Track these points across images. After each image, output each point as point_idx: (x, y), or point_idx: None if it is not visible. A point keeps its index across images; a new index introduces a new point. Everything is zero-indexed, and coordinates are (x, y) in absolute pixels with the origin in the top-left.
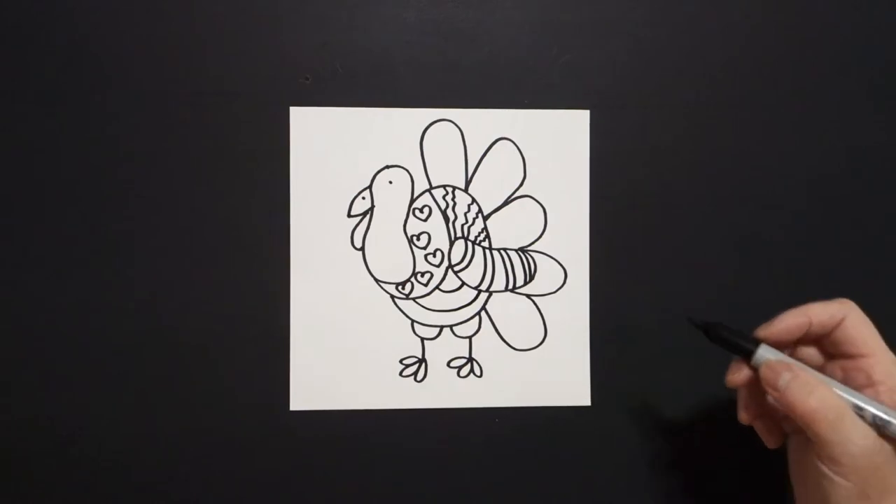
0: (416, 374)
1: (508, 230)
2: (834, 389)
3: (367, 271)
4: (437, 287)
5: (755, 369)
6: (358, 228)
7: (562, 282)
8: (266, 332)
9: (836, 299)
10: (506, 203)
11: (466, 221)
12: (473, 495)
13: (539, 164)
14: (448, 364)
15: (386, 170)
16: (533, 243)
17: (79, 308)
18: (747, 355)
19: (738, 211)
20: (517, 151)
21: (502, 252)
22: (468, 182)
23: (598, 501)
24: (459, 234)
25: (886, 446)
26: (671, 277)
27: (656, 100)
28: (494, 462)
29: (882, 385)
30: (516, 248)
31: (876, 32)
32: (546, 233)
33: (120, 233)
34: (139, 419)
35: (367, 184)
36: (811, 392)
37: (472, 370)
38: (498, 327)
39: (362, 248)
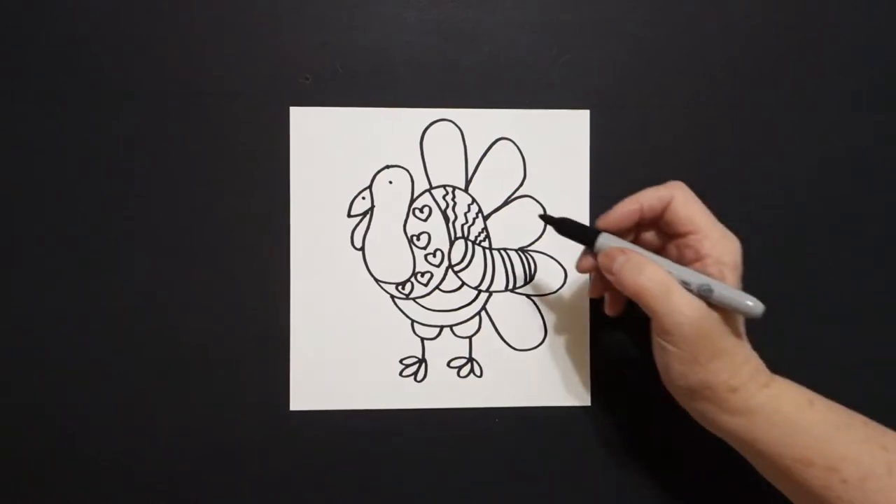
0: (416, 374)
1: (508, 230)
2: (662, 267)
3: (367, 271)
4: (437, 287)
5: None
6: (358, 228)
7: (562, 282)
8: (266, 332)
9: (667, 183)
10: (506, 203)
11: (466, 221)
12: (473, 495)
13: (539, 164)
14: (448, 364)
15: (386, 170)
16: (533, 243)
17: (79, 308)
18: (590, 244)
19: (738, 211)
20: (517, 151)
21: (502, 252)
22: (468, 182)
23: (598, 501)
24: (459, 234)
25: (713, 314)
26: None
27: (656, 100)
28: (494, 462)
29: (709, 258)
30: (516, 248)
31: (876, 32)
32: (546, 233)
33: (120, 232)
34: (139, 419)
35: (367, 184)
36: (640, 271)
37: (472, 370)
38: (498, 327)
39: (362, 248)
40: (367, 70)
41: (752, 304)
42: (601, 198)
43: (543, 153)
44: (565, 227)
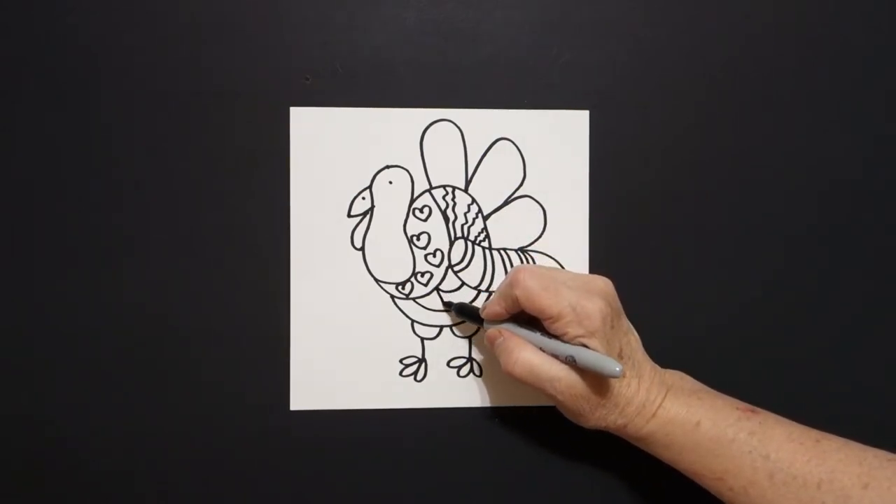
0: (416, 373)
1: (508, 230)
2: (532, 344)
3: (367, 271)
4: (437, 287)
5: None
6: (358, 228)
7: None
8: (266, 332)
9: (513, 272)
10: (506, 203)
11: (466, 221)
12: (473, 495)
13: (539, 164)
14: (448, 364)
15: (386, 170)
16: (533, 243)
17: (78, 308)
18: (481, 323)
19: (738, 210)
20: (517, 151)
21: (502, 252)
22: (468, 182)
23: (598, 501)
24: (459, 234)
25: (584, 376)
26: (671, 277)
27: (656, 100)
28: (494, 462)
29: (566, 335)
30: (516, 248)
31: (876, 32)
32: (546, 233)
33: (120, 233)
34: (139, 419)
35: (367, 184)
36: (509, 355)
37: (471, 370)
38: None
39: (362, 248)
40: (367, 70)
41: (611, 368)
42: (601, 198)
43: (543, 153)
44: (461, 310)
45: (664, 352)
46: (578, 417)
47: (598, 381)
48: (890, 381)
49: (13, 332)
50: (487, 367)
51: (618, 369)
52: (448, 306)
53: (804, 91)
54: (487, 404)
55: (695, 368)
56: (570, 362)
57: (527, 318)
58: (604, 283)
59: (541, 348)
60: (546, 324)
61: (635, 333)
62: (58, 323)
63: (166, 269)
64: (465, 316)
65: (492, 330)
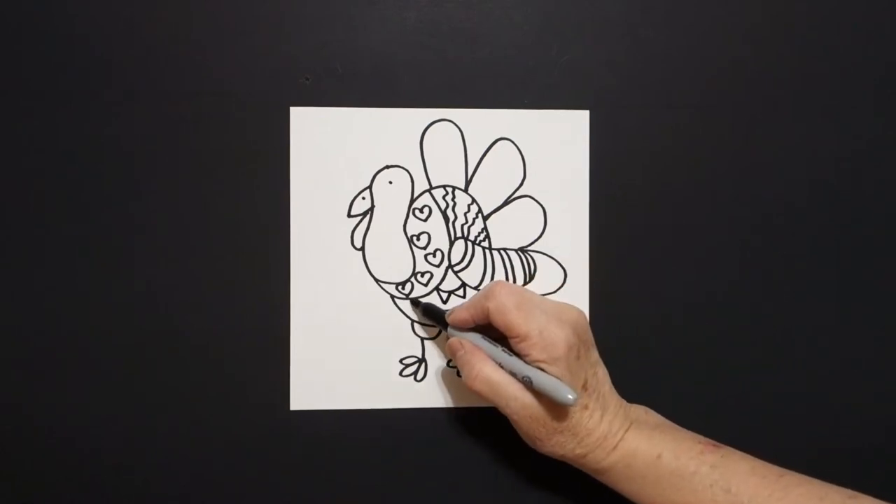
0: (416, 373)
1: (508, 230)
2: (493, 361)
3: (367, 271)
4: (437, 287)
5: None
6: (358, 228)
7: (562, 282)
8: (266, 332)
9: (489, 287)
10: (506, 203)
11: (466, 221)
12: (473, 495)
13: (539, 164)
14: (448, 364)
15: (386, 170)
16: (533, 243)
17: (79, 308)
18: (445, 327)
19: (738, 211)
20: (517, 151)
21: (502, 252)
22: (468, 182)
23: (598, 501)
24: (459, 234)
25: (536, 401)
26: (671, 277)
27: (656, 100)
28: (494, 462)
29: (529, 357)
30: (516, 248)
31: (876, 32)
32: (546, 233)
33: (120, 233)
34: (139, 419)
35: (367, 184)
36: (471, 368)
37: None
38: None
39: (362, 248)
40: (367, 70)
41: (564, 395)
42: (601, 198)
43: (543, 153)
44: (427, 311)
45: (664, 354)
46: (534, 441)
47: (555, 408)
48: (890, 382)
49: (13, 331)
50: None
51: (570, 397)
52: (416, 304)
53: (804, 91)
54: (487, 404)
55: (694, 369)
56: (527, 383)
57: (495, 336)
58: (577, 314)
59: (500, 364)
60: (512, 342)
61: (604, 367)
62: (58, 323)
63: (166, 269)
64: (430, 317)
65: (454, 340)
